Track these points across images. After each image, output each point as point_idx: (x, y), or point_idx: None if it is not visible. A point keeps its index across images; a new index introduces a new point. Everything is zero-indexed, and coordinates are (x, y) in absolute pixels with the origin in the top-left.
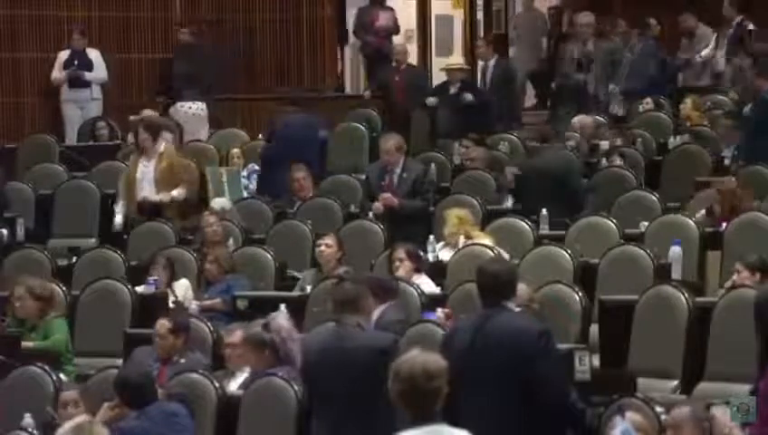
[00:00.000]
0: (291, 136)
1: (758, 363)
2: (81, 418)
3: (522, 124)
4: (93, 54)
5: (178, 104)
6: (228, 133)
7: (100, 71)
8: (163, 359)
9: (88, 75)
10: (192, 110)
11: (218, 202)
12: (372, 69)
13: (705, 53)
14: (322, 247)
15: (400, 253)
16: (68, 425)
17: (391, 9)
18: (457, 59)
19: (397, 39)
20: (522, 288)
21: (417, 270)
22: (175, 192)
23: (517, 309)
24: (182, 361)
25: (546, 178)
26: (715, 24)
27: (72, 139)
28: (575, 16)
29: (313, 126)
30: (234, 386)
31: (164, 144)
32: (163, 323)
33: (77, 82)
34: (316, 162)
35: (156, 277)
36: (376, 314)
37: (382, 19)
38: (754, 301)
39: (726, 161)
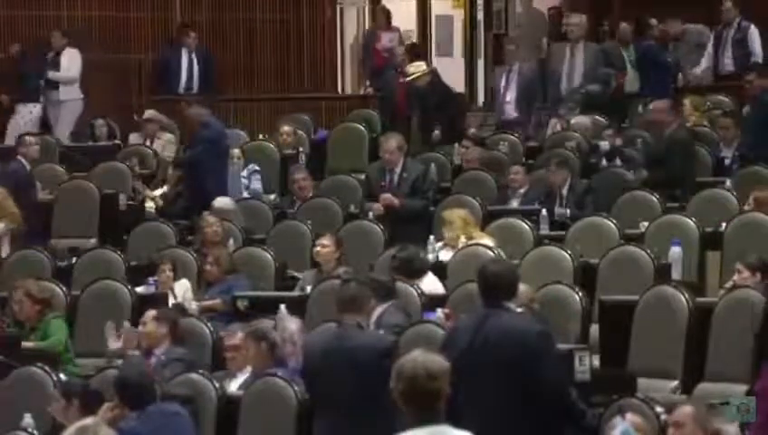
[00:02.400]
0: (212, 138)
1: (751, 363)
2: (87, 419)
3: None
4: (67, 55)
5: (30, 105)
6: (228, 134)
7: (67, 71)
8: (146, 350)
9: (51, 75)
10: (28, 108)
11: (220, 202)
12: (373, 76)
13: (703, 67)
14: (319, 248)
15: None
16: (73, 426)
17: (397, 30)
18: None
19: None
20: (522, 289)
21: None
22: None
23: (518, 310)
24: (162, 358)
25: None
26: (714, 23)
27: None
28: (566, 17)
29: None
30: (234, 386)
31: None
32: (149, 313)
33: (48, 84)
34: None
35: (157, 278)
36: (376, 314)
37: (385, 40)
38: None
39: (726, 161)
